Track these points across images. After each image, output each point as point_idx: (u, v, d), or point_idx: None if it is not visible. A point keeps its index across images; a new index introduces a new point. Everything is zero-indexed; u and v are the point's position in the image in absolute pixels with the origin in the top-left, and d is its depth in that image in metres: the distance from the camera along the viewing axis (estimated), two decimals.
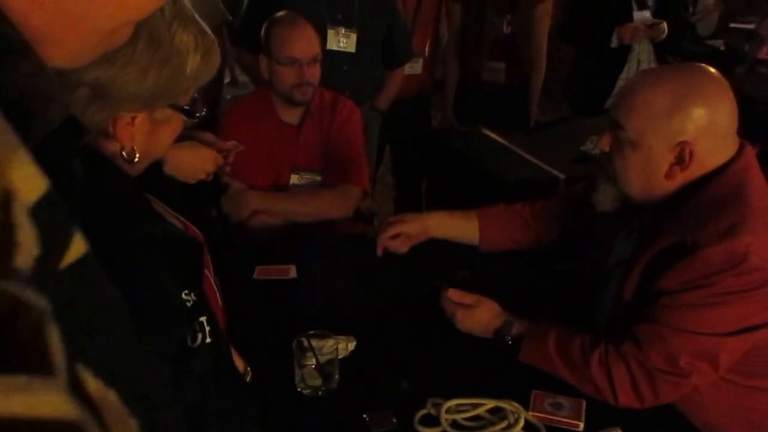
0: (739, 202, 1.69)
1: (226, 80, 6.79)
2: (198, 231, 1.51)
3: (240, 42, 3.76)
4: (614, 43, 4.24)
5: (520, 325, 1.94)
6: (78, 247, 0.46)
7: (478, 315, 1.99)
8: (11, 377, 0.33)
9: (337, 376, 1.82)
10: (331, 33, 3.50)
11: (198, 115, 1.30)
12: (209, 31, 1.24)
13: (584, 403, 1.75)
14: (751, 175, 1.76)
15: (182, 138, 1.95)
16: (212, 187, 2.74)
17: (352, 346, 1.97)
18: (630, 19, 4.24)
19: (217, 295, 1.59)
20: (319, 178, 3.01)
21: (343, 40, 3.54)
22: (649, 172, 1.80)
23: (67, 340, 0.37)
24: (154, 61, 1.13)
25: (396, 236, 2.29)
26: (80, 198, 0.60)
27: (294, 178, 3.00)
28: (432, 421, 1.71)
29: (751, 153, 1.80)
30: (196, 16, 1.22)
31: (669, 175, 1.77)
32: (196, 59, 1.20)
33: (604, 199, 1.95)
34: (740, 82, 2.98)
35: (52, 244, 0.42)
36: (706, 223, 1.67)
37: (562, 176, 3.36)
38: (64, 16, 0.47)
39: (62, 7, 0.46)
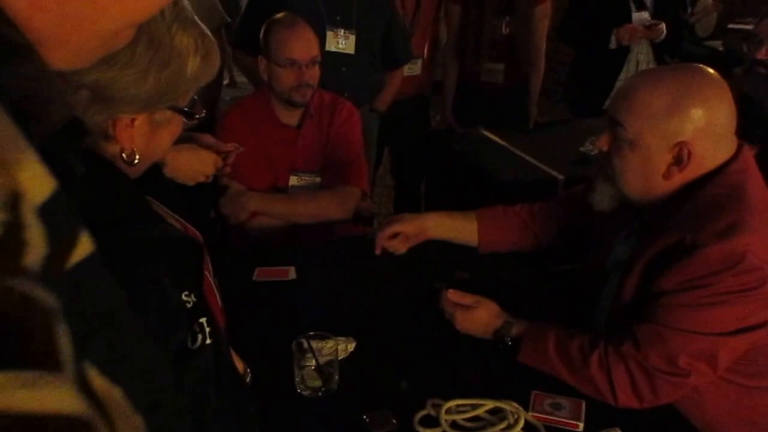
0: (737, 203, 1.70)
1: (225, 82, 6.80)
2: (197, 232, 1.51)
3: (239, 44, 3.76)
4: (613, 44, 4.25)
5: (519, 325, 1.94)
6: (84, 246, 0.47)
7: (477, 316, 2.00)
8: (21, 372, 0.34)
9: (336, 377, 1.82)
10: (329, 34, 3.50)
11: (197, 116, 1.31)
12: (209, 33, 1.25)
13: (584, 404, 1.76)
14: (749, 175, 1.76)
15: (182, 140, 1.95)
16: (211, 189, 2.74)
17: (351, 347, 1.97)
18: (628, 20, 4.25)
19: (217, 296, 1.59)
20: (318, 180, 3.01)
21: (341, 42, 3.55)
22: (647, 172, 1.80)
23: (74, 337, 0.38)
24: (153, 63, 1.14)
25: (394, 236, 2.29)
26: (81, 199, 0.60)
27: (293, 180, 3.00)
28: (432, 421, 1.71)
29: (749, 153, 1.81)
30: (196, 18, 1.22)
31: (667, 176, 1.78)
32: (196, 61, 1.21)
33: (602, 198, 1.95)
34: (738, 82, 2.98)
35: (60, 243, 0.42)
36: (705, 224, 1.68)
37: (561, 177, 3.36)
38: (66, 19, 0.47)
39: (65, 10, 0.46)
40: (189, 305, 1.09)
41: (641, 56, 4.34)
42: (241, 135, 2.84)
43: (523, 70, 4.33)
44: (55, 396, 0.35)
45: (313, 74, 2.86)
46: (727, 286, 1.63)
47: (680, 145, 1.73)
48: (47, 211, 0.40)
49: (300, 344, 1.83)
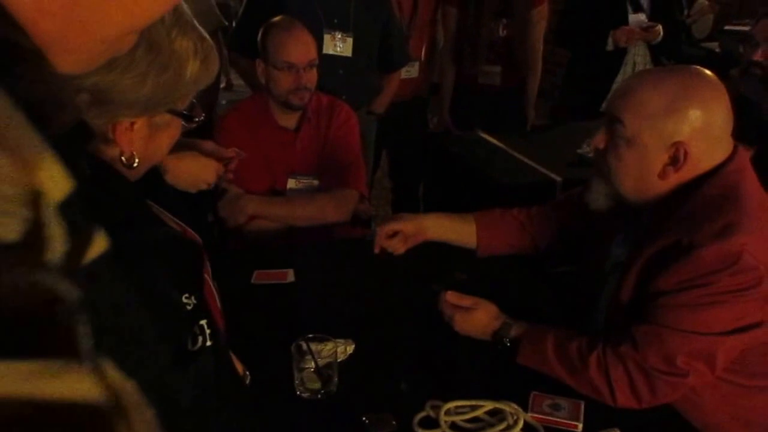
0: (733, 203, 1.70)
1: (222, 85, 6.81)
2: (196, 235, 1.52)
3: (236, 47, 3.77)
4: (610, 46, 4.25)
5: (518, 327, 1.95)
6: (100, 243, 0.48)
7: (476, 317, 2.00)
8: (45, 362, 0.35)
9: (336, 379, 1.82)
10: (327, 37, 3.50)
11: (197, 120, 1.31)
12: (208, 37, 1.25)
13: (583, 405, 1.76)
14: (745, 176, 1.77)
15: (183, 147, 1.96)
16: (209, 192, 2.75)
17: (350, 349, 1.97)
18: (625, 21, 4.26)
19: (216, 299, 1.59)
20: (316, 183, 3.01)
21: (339, 45, 3.55)
22: (643, 171, 1.80)
23: (92, 331, 0.39)
24: (153, 66, 1.14)
25: (393, 235, 2.28)
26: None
27: (291, 183, 3.00)
28: (431, 423, 1.71)
29: (744, 155, 1.81)
30: (195, 22, 1.22)
31: (662, 175, 1.78)
32: (196, 65, 1.21)
33: (597, 196, 1.95)
34: (735, 84, 2.99)
35: (78, 240, 0.44)
36: (701, 224, 1.68)
37: (558, 179, 3.37)
38: (71, 24, 0.47)
39: (71, 16, 0.47)
40: (189, 307, 1.10)
41: (638, 58, 4.35)
42: (238, 138, 2.85)
43: (520, 73, 4.34)
44: (78, 384, 0.36)
45: (311, 77, 2.87)
46: (724, 286, 1.63)
47: (677, 145, 1.74)
48: (65, 209, 0.41)
49: (299, 346, 1.83)
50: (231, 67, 5.54)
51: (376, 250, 2.27)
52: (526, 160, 3.64)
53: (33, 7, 0.44)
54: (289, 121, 2.99)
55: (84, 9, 0.47)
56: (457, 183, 3.89)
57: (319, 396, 1.80)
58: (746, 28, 4.16)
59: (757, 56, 2.99)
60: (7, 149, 0.37)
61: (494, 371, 1.93)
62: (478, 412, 1.73)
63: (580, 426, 1.70)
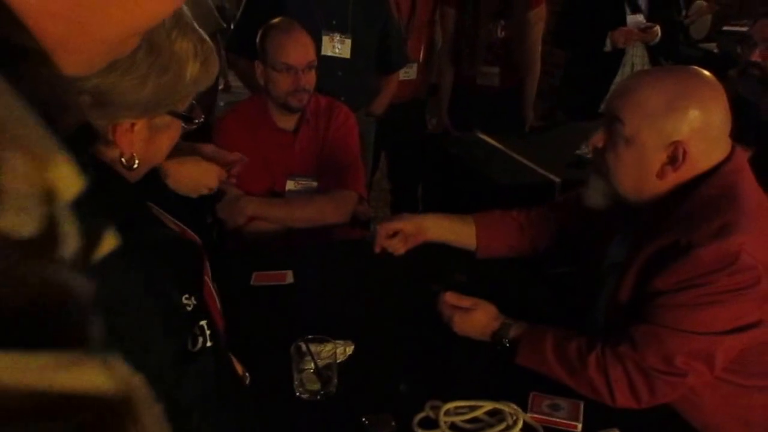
0: (731, 203, 1.71)
1: (220, 87, 6.80)
2: (195, 236, 1.52)
3: (235, 48, 3.77)
4: (608, 47, 4.26)
5: (517, 327, 1.95)
6: (111, 241, 0.49)
7: (475, 318, 2.00)
8: (60, 354, 0.36)
9: (335, 380, 1.82)
10: (325, 39, 3.51)
11: (197, 121, 1.31)
12: (208, 39, 1.26)
13: (582, 405, 1.76)
14: (742, 176, 1.78)
15: (184, 151, 1.95)
16: (208, 194, 2.74)
17: (350, 350, 1.98)
18: (623, 22, 4.26)
19: (216, 300, 1.59)
20: (315, 184, 3.02)
21: (337, 46, 3.55)
22: (641, 171, 1.80)
23: (102, 325, 0.40)
24: (153, 68, 1.15)
25: (394, 235, 2.28)
26: None
27: (290, 184, 3.00)
28: (431, 423, 1.71)
29: (742, 155, 1.82)
30: (195, 24, 1.23)
31: (660, 175, 1.78)
32: (196, 66, 1.22)
33: (594, 194, 1.95)
34: (733, 84, 2.99)
35: (89, 237, 0.45)
36: (699, 224, 1.69)
37: (557, 180, 3.37)
38: (75, 26, 0.48)
39: (74, 17, 0.47)
40: (189, 308, 1.10)
41: (636, 59, 4.35)
42: (237, 139, 2.85)
43: (518, 74, 4.34)
44: (90, 376, 0.37)
45: (310, 79, 2.87)
46: (722, 286, 1.64)
47: (675, 144, 1.74)
48: (77, 208, 0.42)
49: (298, 347, 1.83)
50: (229, 68, 5.53)
51: (377, 250, 2.26)
52: (524, 161, 3.65)
53: (37, 9, 0.45)
54: (287, 122, 2.99)
55: (87, 11, 0.48)
56: (455, 184, 3.90)
57: (319, 397, 1.80)
58: (744, 29, 4.17)
59: (755, 57, 2.99)
60: (22, 148, 0.38)
61: (493, 372, 1.94)
62: (478, 413, 1.73)
63: (580, 426, 1.71)
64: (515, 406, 1.73)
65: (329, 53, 3.52)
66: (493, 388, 1.82)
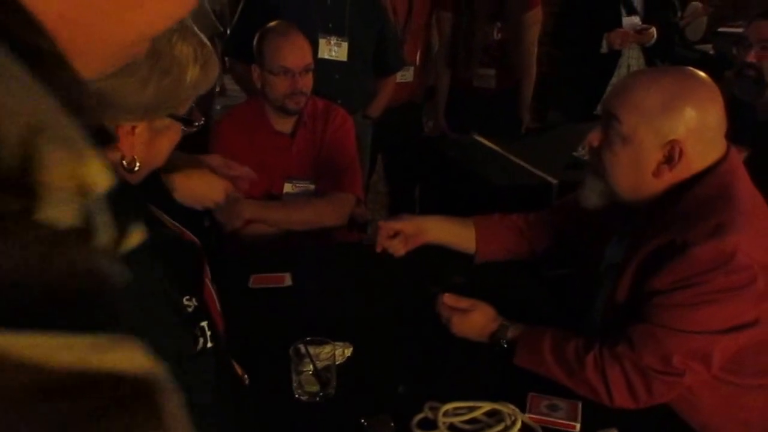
0: (726, 203, 1.71)
1: (216, 90, 6.80)
2: (195, 238, 1.52)
3: (232, 52, 3.78)
4: (604, 49, 4.27)
5: (515, 329, 1.95)
6: (139, 234, 0.53)
7: (473, 319, 2.00)
8: (98, 337, 0.38)
9: (334, 382, 1.83)
10: (322, 42, 3.51)
11: (196, 124, 1.32)
12: (208, 43, 1.27)
13: (580, 405, 1.77)
14: (737, 176, 1.78)
15: (191, 163, 1.95)
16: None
17: (348, 352, 1.98)
18: (619, 24, 4.27)
19: (216, 302, 1.60)
20: (312, 187, 3.02)
21: (334, 49, 3.56)
22: (638, 169, 1.81)
23: (134, 311, 0.43)
24: (154, 71, 1.15)
25: (394, 236, 2.28)
26: None
27: (287, 187, 3.01)
28: (429, 424, 1.72)
29: (736, 155, 1.83)
30: (195, 28, 1.24)
31: (657, 174, 1.79)
32: (196, 70, 1.22)
33: (591, 195, 1.95)
34: (729, 85, 3.00)
35: (121, 229, 0.48)
36: (695, 223, 1.69)
37: (554, 181, 3.38)
38: (90, 30, 0.49)
39: (89, 22, 0.48)
40: (190, 309, 1.11)
41: (632, 60, 4.36)
42: (235, 143, 2.86)
43: (515, 76, 4.35)
44: (128, 356, 0.39)
45: (307, 82, 2.88)
46: (718, 285, 1.64)
47: (672, 143, 1.75)
48: (109, 201, 0.44)
49: (297, 349, 1.84)
50: (226, 72, 5.54)
51: (378, 249, 2.26)
52: (521, 162, 3.66)
53: (56, 15, 0.46)
54: (285, 125, 3.00)
55: (101, 16, 0.49)
56: (452, 186, 3.90)
57: (318, 399, 1.80)
58: (740, 30, 4.17)
59: (750, 57, 3.00)
60: (63, 144, 0.40)
61: (492, 372, 1.94)
62: (477, 413, 1.74)
63: (578, 426, 1.71)
64: (513, 407, 1.73)
65: (326, 56, 3.53)
66: (492, 388, 1.82)
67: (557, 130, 4.54)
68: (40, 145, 0.39)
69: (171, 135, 1.31)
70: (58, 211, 0.39)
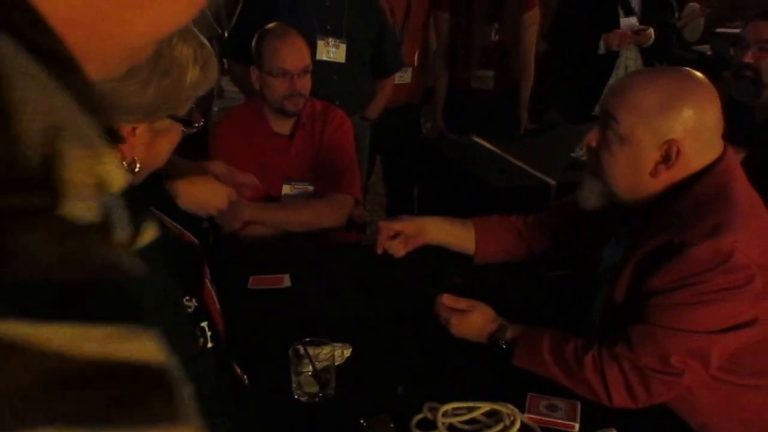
0: (723, 203, 1.72)
1: (214, 91, 6.80)
2: (194, 239, 1.52)
3: (230, 54, 3.78)
4: (602, 50, 4.27)
5: (514, 329, 1.96)
6: (152, 230, 0.54)
7: (472, 320, 2.01)
8: (117, 327, 0.40)
9: (333, 383, 1.83)
10: (320, 44, 3.52)
11: (196, 125, 1.32)
12: (207, 44, 1.27)
13: (579, 405, 1.77)
14: (734, 176, 1.79)
15: (195, 169, 1.95)
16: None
17: (348, 352, 1.98)
18: (617, 25, 4.28)
19: (216, 302, 1.60)
20: (311, 189, 3.02)
21: (332, 51, 3.56)
22: (635, 169, 1.81)
23: (149, 305, 0.45)
24: (155, 73, 1.16)
25: (394, 237, 2.28)
26: None
27: (286, 189, 3.01)
28: (429, 425, 1.72)
29: (733, 156, 1.83)
30: (195, 29, 1.24)
31: (654, 173, 1.79)
32: (196, 71, 1.23)
33: (589, 195, 1.96)
34: (727, 86, 3.00)
35: (136, 225, 0.49)
36: (693, 223, 1.70)
37: (552, 182, 3.38)
38: (97, 34, 0.50)
39: (97, 26, 0.49)
40: (190, 309, 1.11)
41: (630, 61, 4.37)
42: (233, 144, 2.86)
43: (513, 77, 4.35)
44: (145, 346, 0.41)
45: (305, 83, 2.88)
46: (716, 285, 1.65)
47: (669, 143, 1.75)
48: (125, 198, 0.46)
49: (296, 350, 1.84)
50: (225, 74, 5.54)
51: (379, 251, 2.26)
52: (520, 163, 3.66)
53: (66, 19, 0.46)
54: (283, 127, 3.00)
55: (110, 20, 0.50)
56: (451, 187, 3.90)
57: (317, 399, 1.81)
58: (737, 31, 4.18)
59: (748, 58, 3.00)
60: (81, 143, 0.42)
61: (491, 373, 1.94)
62: (476, 414, 1.74)
63: (577, 426, 1.71)
64: (512, 407, 1.73)
65: (324, 58, 3.53)
66: (491, 389, 1.83)
67: (555, 130, 4.55)
68: (60, 144, 0.40)
69: (171, 136, 1.31)
70: (80, 208, 0.40)
